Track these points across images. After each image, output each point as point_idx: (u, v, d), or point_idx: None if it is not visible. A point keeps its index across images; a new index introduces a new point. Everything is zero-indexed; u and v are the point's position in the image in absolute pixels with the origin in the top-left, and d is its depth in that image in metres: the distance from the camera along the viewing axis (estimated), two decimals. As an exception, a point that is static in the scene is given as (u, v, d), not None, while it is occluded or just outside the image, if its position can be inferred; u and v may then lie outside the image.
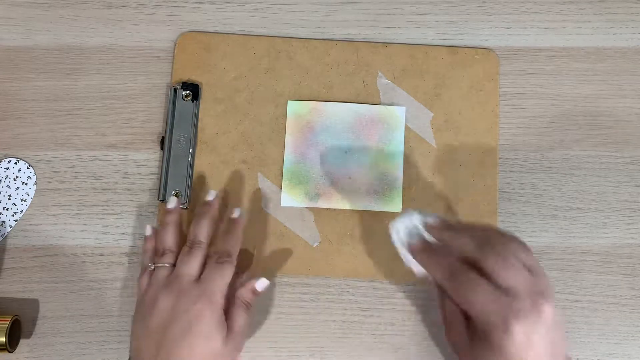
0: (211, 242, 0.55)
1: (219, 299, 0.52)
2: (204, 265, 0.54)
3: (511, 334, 0.43)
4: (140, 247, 0.60)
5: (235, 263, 0.54)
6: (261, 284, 0.55)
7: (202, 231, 0.55)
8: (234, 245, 0.55)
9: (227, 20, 0.64)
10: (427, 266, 0.48)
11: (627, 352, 0.58)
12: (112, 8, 0.64)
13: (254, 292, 0.55)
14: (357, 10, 0.65)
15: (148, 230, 0.57)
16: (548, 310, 0.43)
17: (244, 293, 0.54)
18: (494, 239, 0.47)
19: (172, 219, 0.56)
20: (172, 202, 0.57)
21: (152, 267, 0.54)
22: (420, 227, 0.48)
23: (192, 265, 0.53)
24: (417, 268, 0.49)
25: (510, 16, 0.65)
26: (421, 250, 0.49)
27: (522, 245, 0.47)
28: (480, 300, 0.44)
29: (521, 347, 0.43)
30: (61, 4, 0.64)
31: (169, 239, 0.55)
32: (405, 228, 0.48)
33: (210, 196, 0.58)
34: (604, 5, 0.65)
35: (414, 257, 0.49)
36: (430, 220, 0.49)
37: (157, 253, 0.55)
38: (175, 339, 0.50)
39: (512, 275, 0.44)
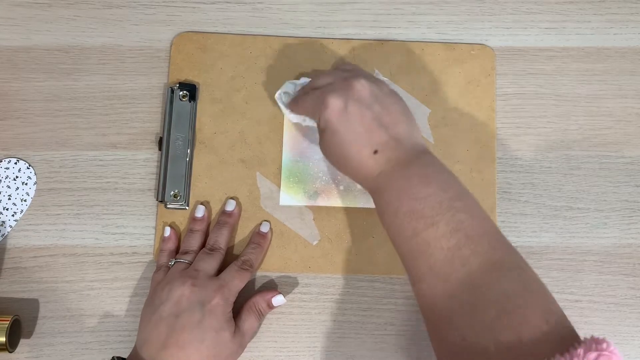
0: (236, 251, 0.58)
1: (233, 299, 0.54)
2: (219, 270, 0.56)
3: (328, 104, 0.50)
4: (141, 247, 0.60)
5: (255, 273, 0.59)
6: (278, 300, 0.57)
7: (222, 239, 0.58)
8: (258, 258, 0.58)
9: (227, 21, 0.64)
10: (293, 108, 0.56)
11: (627, 352, 0.58)
12: (112, 8, 0.64)
13: (270, 305, 0.57)
14: (357, 10, 0.65)
15: (167, 232, 0.59)
16: (358, 85, 0.51)
17: (260, 302, 0.56)
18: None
19: (199, 226, 0.59)
20: (200, 211, 0.59)
21: (173, 263, 0.56)
22: (296, 89, 0.57)
23: (210, 264, 0.55)
24: (292, 117, 0.57)
25: (510, 16, 0.65)
26: (292, 101, 0.56)
27: (346, 62, 0.59)
28: (308, 100, 0.53)
29: (338, 112, 0.50)
30: (61, 4, 0.64)
31: (194, 243, 0.58)
32: (286, 93, 0.57)
33: (230, 206, 0.59)
34: (604, 5, 0.65)
35: (290, 109, 0.57)
36: (300, 82, 0.57)
37: (180, 252, 0.57)
38: (187, 327, 0.51)
39: (328, 76, 0.54)
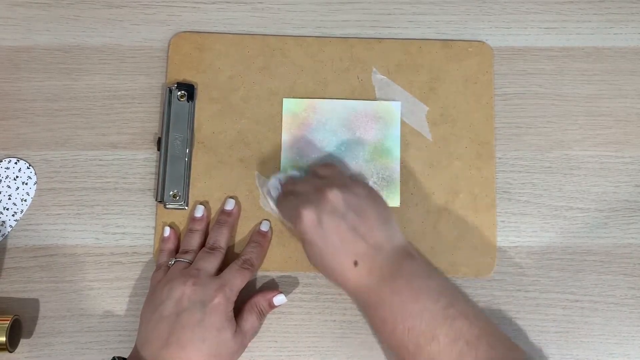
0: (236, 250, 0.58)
1: (234, 298, 0.54)
2: (220, 269, 0.56)
3: (302, 217, 0.51)
4: (141, 247, 0.60)
5: (255, 272, 0.59)
6: (279, 299, 0.57)
7: (222, 238, 0.58)
8: (259, 258, 0.58)
9: (227, 21, 0.64)
10: (278, 206, 0.57)
11: (627, 352, 0.58)
12: (112, 8, 0.64)
13: (271, 304, 0.57)
14: (357, 10, 0.65)
15: (166, 232, 0.59)
16: (331, 196, 0.51)
17: (261, 301, 0.56)
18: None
19: (199, 226, 0.59)
20: (199, 211, 0.59)
21: (173, 262, 0.56)
22: (281, 182, 0.58)
23: (211, 263, 0.55)
24: (277, 214, 0.58)
25: (510, 16, 0.65)
26: (278, 198, 0.57)
27: (324, 163, 0.58)
28: (286, 207, 0.55)
29: (312, 225, 0.51)
30: (61, 4, 0.64)
31: (194, 242, 0.58)
32: (272, 188, 0.58)
33: (230, 205, 0.59)
34: (604, 5, 0.65)
35: (276, 206, 0.57)
36: (283, 178, 0.58)
37: (180, 251, 0.57)
38: (188, 326, 0.51)
39: (304, 183, 0.55)
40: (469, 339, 0.48)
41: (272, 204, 0.58)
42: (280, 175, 0.58)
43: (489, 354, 0.47)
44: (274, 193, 0.57)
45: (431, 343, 0.48)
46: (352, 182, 0.54)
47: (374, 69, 0.63)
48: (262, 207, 0.60)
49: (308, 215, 0.51)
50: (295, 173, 0.59)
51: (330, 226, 0.51)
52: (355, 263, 0.51)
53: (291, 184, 0.56)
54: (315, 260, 0.53)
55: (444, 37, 0.64)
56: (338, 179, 0.54)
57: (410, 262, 0.52)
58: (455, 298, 0.50)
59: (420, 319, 0.48)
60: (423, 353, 0.48)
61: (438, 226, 0.59)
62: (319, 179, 0.55)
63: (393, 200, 0.60)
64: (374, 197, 0.53)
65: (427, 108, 0.62)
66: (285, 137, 0.61)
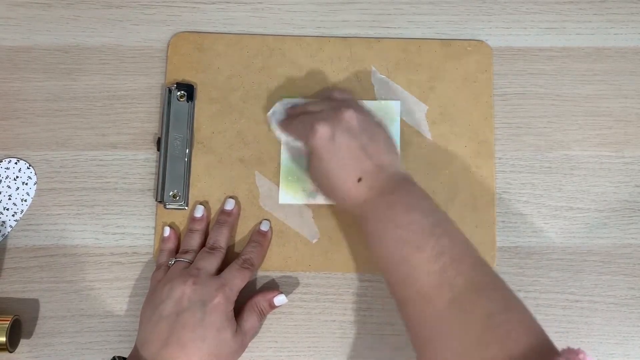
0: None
1: (234, 297, 0.54)
2: (220, 269, 0.56)
3: (316, 131, 0.52)
4: (141, 247, 0.60)
5: (256, 272, 0.59)
6: (279, 300, 0.57)
7: (223, 238, 0.58)
8: (259, 257, 0.58)
9: (227, 21, 0.64)
10: (283, 128, 0.58)
11: (627, 352, 0.58)
12: (112, 8, 0.64)
13: (271, 305, 0.57)
14: (357, 10, 0.65)
15: (166, 232, 0.59)
16: (347, 115, 0.53)
17: (261, 301, 0.56)
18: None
19: (199, 226, 0.59)
20: (199, 211, 0.59)
21: (173, 262, 0.56)
22: (285, 107, 0.59)
23: (211, 263, 0.55)
24: (282, 136, 0.59)
25: (510, 16, 0.65)
26: (283, 121, 0.58)
27: (340, 89, 0.59)
28: (299, 125, 0.55)
29: (325, 139, 0.52)
30: (61, 4, 0.64)
31: (194, 242, 0.58)
32: (278, 112, 0.59)
33: (230, 205, 0.59)
34: (604, 5, 0.65)
35: (280, 129, 0.59)
36: (288, 103, 0.60)
37: (180, 251, 0.58)
38: (188, 326, 0.51)
39: (319, 103, 0.56)
40: (454, 256, 0.48)
41: (275, 128, 0.59)
42: (285, 101, 0.60)
43: (471, 275, 0.47)
44: (280, 117, 0.59)
45: (416, 253, 0.48)
46: (366, 109, 0.56)
47: (373, 68, 0.63)
48: (262, 206, 0.60)
49: (322, 130, 0.52)
50: (301, 100, 0.60)
51: (342, 142, 0.52)
52: (359, 179, 0.52)
53: (304, 106, 0.58)
54: (319, 174, 0.54)
55: (444, 37, 0.64)
56: (353, 102, 0.56)
57: (409, 185, 0.53)
58: (446, 220, 0.51)
59: (407, 230, 0.49)
60: (407, 263, 0.48)
61: None
62: (332, 99, 0.57)
63: (393, 200, 0.60)
64: (385, 127, 0.56)
65: (427, 107, 0.62)
66: (285, 136, 0.61)
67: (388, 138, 0.55)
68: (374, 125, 0.54)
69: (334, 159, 0.52)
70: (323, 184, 0.54)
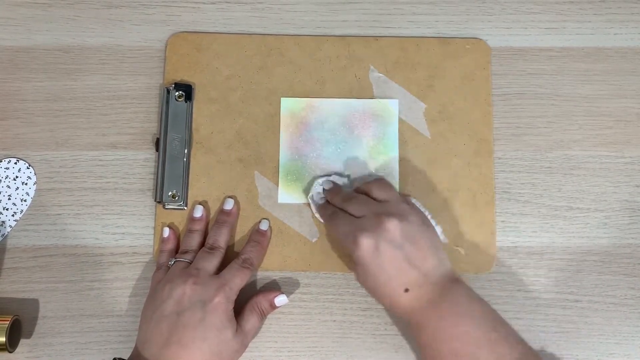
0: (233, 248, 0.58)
1: (234, 297, 0.54)
2: (219, 269, 0.56)
3: (359, 244, 0.52)
4: (141, 247, 0.60)
5: (255, 271, 0.59)
6: (280, 300, 0.57)
7: (222, 237, 0.58)
8: (259, 257, 0.58)
9: (227, 21, 0.64)
10: (322, 217, 0.59)
11: (627, 352, 0.58)
12: (112, 8, 0.64)
13: (272, 305, 0.57)
14: (357, 10, 0.65)
15: (166, 232, 0.59)
16: (390, 225, 0.52)
17: (262, 301, 0.56)
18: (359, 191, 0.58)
19: (198, 226, 0.59)
20: (198, 211, 0.59)
21: (173, 262, 0.56)
22: (322, 192, 0.60)
23: (211, 263, 0.55)
24: (322, 221, 0.60)
25: (510, 16, 0.65)
26: (321, 207, 0.59)
27: (380, 183, 0.57)
28: (341, 227, 0.55)
29: (369, 252, 0.52)
30: (61, 4, 0.64)
31: (194, 242, 0.58)
32: (316, 195, 0.59)
33: (229, 205, 0.59)
34: (604, 5, 0.65)
35: (324, 221, 0.59)
36: (327, 186, 0.60)
37: (179, 251, 0.58)
38: (189, 325, 0.51)
39: (361, 205, 0.55)
40: None
41: (314, 210, 0.59)
42: (322, 181, 0.60)
43: None
44: (317, 199, 0.59)
45: None
46: (408, 209, 0.54)
47: (372, 67, 0.63)
48: (261, 206, 0.60)
49: (366, 243, 0.52)
50: (337, 178, 0.60)
51: (387, 255, 0.51)
52: (407, 290, 0.52)
53: (341, 198, 0.57)
54: (367, 283, 0.53)
55: (444, 37, 0.64)
56: (395, 206, 0.54)
57: (455, 287, 0.53)
58: (497, 322, 0.51)
59: (462, 342, 0.50)
60: None
61: (437, 223, 0.59)
62: (373, 201, 0.55)
63: (393, 200, 0.60)
64: (427, 225, 0.55)
65: (425, 105, 0.62)
66: (284, 136, 0.61)
67: (432, 239, 0.54)
68: (417, 230, 0.53)
69: (379, 271, 0.52)
70: (371, 293, 0.54)
